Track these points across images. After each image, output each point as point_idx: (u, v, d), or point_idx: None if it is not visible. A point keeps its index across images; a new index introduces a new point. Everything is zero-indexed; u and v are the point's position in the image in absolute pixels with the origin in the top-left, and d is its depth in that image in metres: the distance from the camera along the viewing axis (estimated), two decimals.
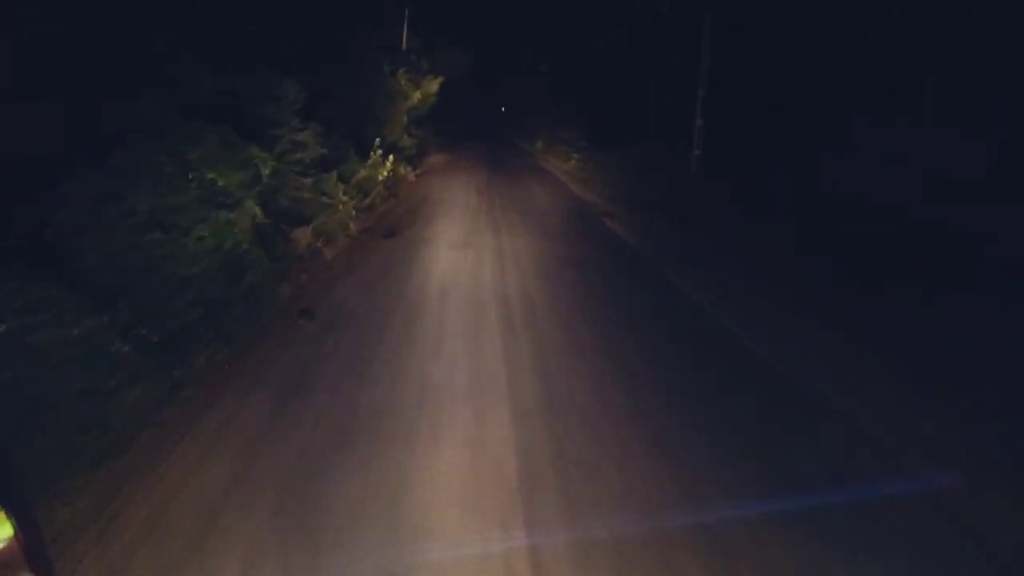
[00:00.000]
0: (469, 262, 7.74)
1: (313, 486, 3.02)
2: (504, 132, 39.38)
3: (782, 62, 16.24)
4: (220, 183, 5.24)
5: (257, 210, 5.52)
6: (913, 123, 12.99)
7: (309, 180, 6.72)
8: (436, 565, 2.54)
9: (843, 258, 8.24)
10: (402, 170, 15.24)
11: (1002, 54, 10.80)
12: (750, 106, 16.53)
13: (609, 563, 2.57)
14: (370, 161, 10.87)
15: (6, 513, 1.30)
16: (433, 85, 21.34)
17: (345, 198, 8.35)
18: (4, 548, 1.27)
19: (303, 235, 6.80)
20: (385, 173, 11.59)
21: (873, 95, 14.77)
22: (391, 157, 11.91)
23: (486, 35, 36.92)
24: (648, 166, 17.05)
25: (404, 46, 22.27)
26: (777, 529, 2.82)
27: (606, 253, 9.06)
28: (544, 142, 28.03)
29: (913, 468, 3.49)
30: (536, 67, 37.61)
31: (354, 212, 9.04)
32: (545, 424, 3.73)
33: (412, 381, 4.31)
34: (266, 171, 5.65)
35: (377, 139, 11.42)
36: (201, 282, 4.77)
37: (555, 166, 22.30)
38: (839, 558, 2.66)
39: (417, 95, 16.83)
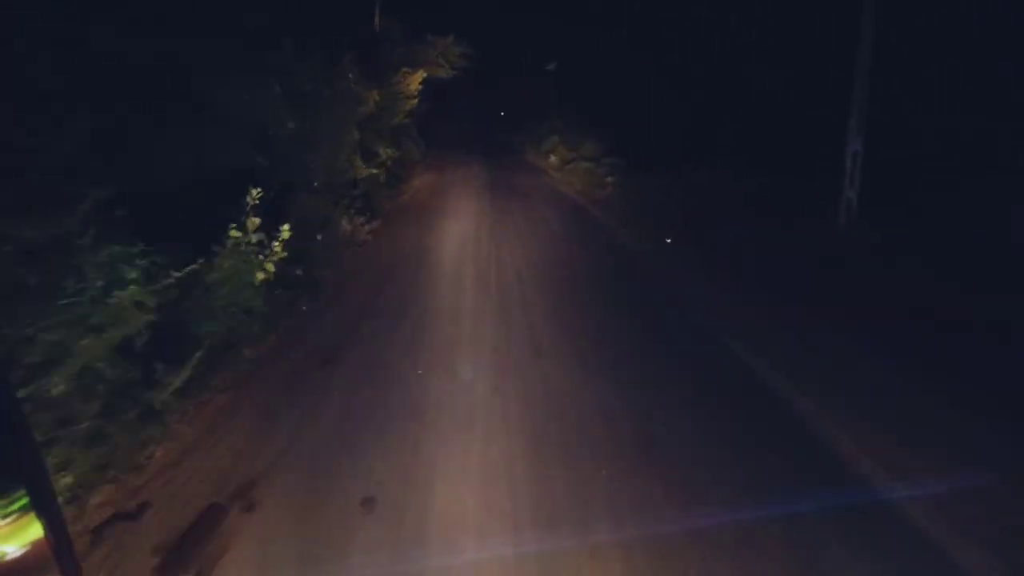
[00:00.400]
0: None
1: None
2: (508, 141, 33.79)
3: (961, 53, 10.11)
4: None
5: None
6: None
7: None
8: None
9: None
10: (347, 224, 8.82)
11: None
12: (916, 117, 10.28)
13: None
14: (214, 259, 4.46)
15: (36, 514, 1.21)
16: (414, 81, 15.34)
17: None
18: (33, 551, 1.20)
19: None
20: (271, 268, 5.17)
21: None
22: (286, 228, 5.51)
23: (485, 33, 32.22)
24: (731, 205, 10.92)
25: (378, 28, 16.29)
26: None
27: None
28: (560, 157, 21.75)
29: None
30: (540, 67, 33.47)
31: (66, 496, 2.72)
32: None
33: None
34: None
35: (254, 192, 4.97)
36: None
37: (581, 192, 15.96)
38: None
39: (375, 96, 10.42)
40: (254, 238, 5.07)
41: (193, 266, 4.09)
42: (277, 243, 5.33)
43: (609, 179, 15.96)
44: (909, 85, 10.07)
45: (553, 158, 22.53)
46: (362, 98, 9.95)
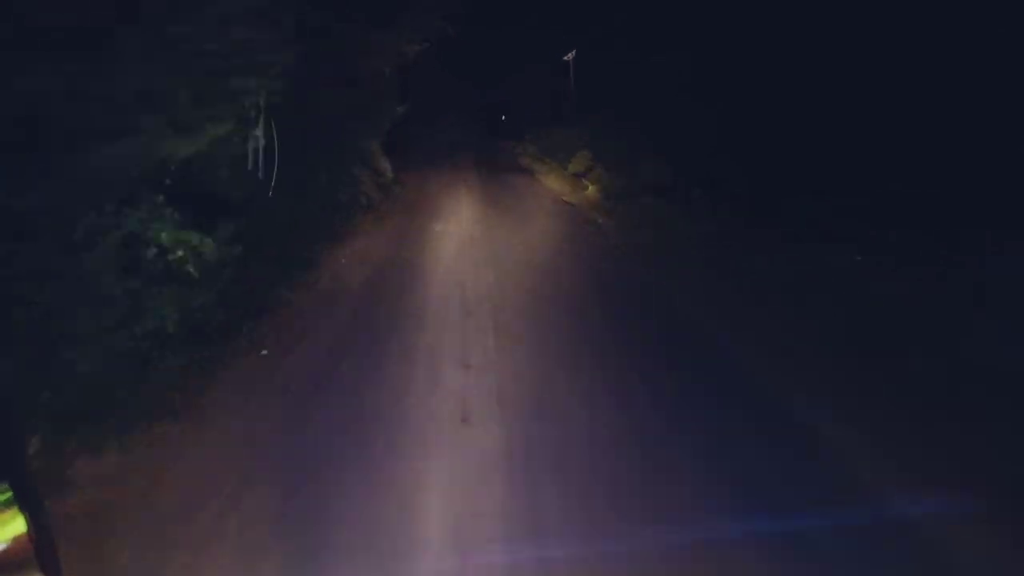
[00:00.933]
0: None
1: None
2: (513, 156, 35.35)
3: None
4: None
5: None
6: None
7: None
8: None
9: None
10: None
11: None
12: None
13: None
14: None
15: (20, 509, 1.73)
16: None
17: None
18: (16, 546, 1.71)
19: None
20: None
21: None
22: None
23: (482, 17, 35.00)
24: None
25: None
26: None
27: None
28: (600, 186, 22.37)
29: None
30: (551, 57, 36.12)
31: None
32: None
33: None
34: None
35: None
36: None
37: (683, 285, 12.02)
38: None
39: None
40: None
41: None
42: None
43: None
44: None
45: (591, 188, 23.40)
46: None
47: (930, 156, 12.73)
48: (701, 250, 13.91)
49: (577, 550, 5.30)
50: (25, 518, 1.71)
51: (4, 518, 1.70)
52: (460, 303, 11.56)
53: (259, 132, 12.15)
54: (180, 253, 9.13)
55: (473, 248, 15.36)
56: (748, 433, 7.11)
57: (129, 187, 8.40)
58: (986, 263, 10.81)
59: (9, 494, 1.69)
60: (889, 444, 6.71)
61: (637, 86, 23.67)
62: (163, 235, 8.90)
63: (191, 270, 9.27)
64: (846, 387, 8.06)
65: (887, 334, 9.54)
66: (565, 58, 33.52)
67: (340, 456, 6.64)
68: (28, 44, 6.51)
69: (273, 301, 11.20)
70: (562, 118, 32.73)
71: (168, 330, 8.44)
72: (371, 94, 20.02)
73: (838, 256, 12.48)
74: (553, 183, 26.72)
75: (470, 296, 11.86)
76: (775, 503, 5.86)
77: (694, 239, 14.59)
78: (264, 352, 9.40)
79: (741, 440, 6.96)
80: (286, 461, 6.64)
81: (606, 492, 6.10)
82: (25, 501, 1.74)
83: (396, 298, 11.92)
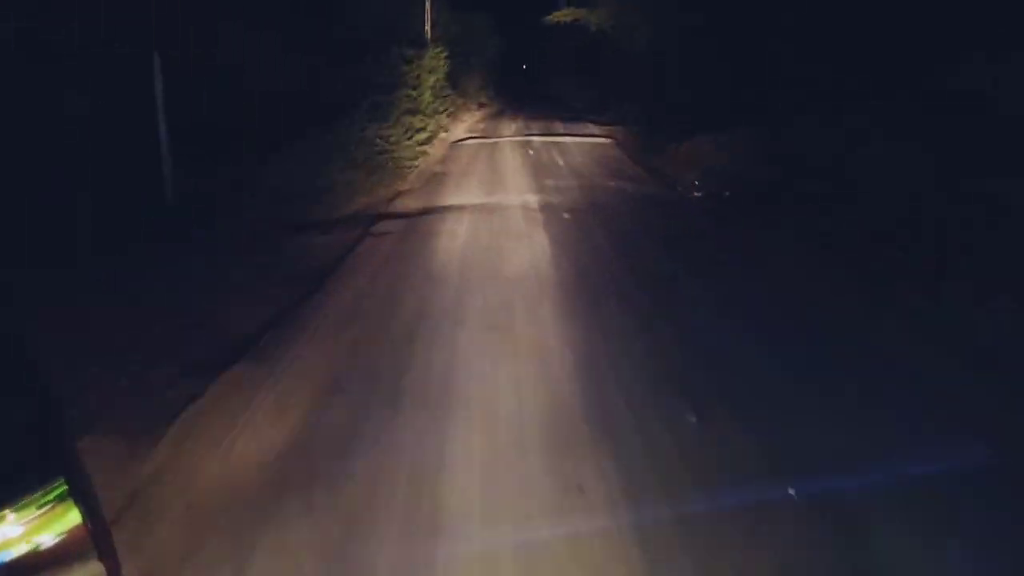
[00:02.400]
0: None
1: None
2: None
3: None
4: None
5: None
6: None
7: None
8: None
9: None
10: None
11: None
12: None
13: None
14: None
15: (75, 499, 1.83)
16: None
17: None
18: (73, 536, 1.81)
19: None
20: None
21: None
22: None
23: None
24: None
25: None
26: None
27: None
28: None
29: None
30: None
31: None
32: None
33: None
34: None
35: None
36: None
37: None
38: None
39: None
40: None
41: None
42: None
43: None
44: None
45: None
46: None
47: None
48: None
49: None
50: (79, 509, 1.81)
51: (57, 512, 1.79)
52: None
53: None
54: None
55: None
56: None
57: None
58: None
59: (62, 488, 1.79)
60: None
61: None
62: None
63: None
64: None
65: None
66: None
67: None
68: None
69: None
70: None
71: None
72: None
73: None
74: None
75: None
76: None
77: None
78: None
79: None
80: None
81: None
82: (79, 493, 1.83)
83: None
